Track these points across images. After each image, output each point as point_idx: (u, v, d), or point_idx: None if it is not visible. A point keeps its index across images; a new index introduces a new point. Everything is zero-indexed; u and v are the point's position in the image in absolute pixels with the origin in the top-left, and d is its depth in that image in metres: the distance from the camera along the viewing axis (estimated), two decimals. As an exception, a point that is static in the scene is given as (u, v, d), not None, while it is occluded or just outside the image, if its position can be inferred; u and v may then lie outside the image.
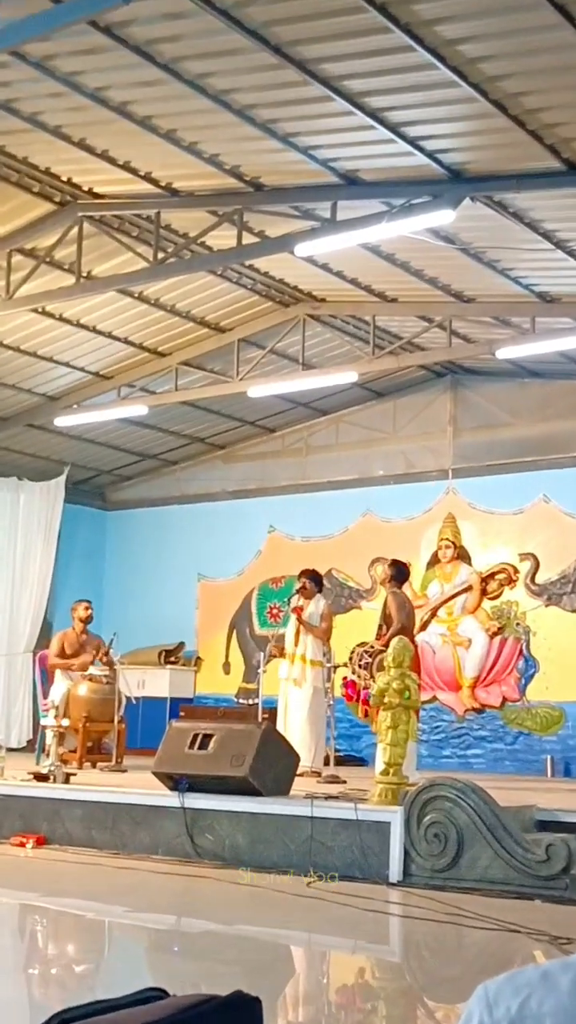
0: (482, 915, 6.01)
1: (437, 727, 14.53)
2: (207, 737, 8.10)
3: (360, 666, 10.35)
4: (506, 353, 12.36)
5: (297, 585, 11.31)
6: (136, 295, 12.40)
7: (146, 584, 17.22)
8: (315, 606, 11.20)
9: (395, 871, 7.15)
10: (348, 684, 10.54)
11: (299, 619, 11.09)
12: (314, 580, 11.32)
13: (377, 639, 10.29)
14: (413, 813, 7.20)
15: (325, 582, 15.15)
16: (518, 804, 7.52)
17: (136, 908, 6.44)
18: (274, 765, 8.03)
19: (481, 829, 6.98)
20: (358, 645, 10.50)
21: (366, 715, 10.13)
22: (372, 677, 9.67)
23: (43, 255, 10.95)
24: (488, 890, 6.81)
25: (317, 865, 7.34)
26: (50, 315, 12.53)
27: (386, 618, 10.26)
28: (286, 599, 11.52)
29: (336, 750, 11.25)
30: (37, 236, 10.73)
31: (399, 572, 10.54)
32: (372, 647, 10.31)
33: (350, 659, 10.78)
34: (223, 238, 10.56)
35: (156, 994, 1.55)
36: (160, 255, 10.58)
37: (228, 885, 6.97)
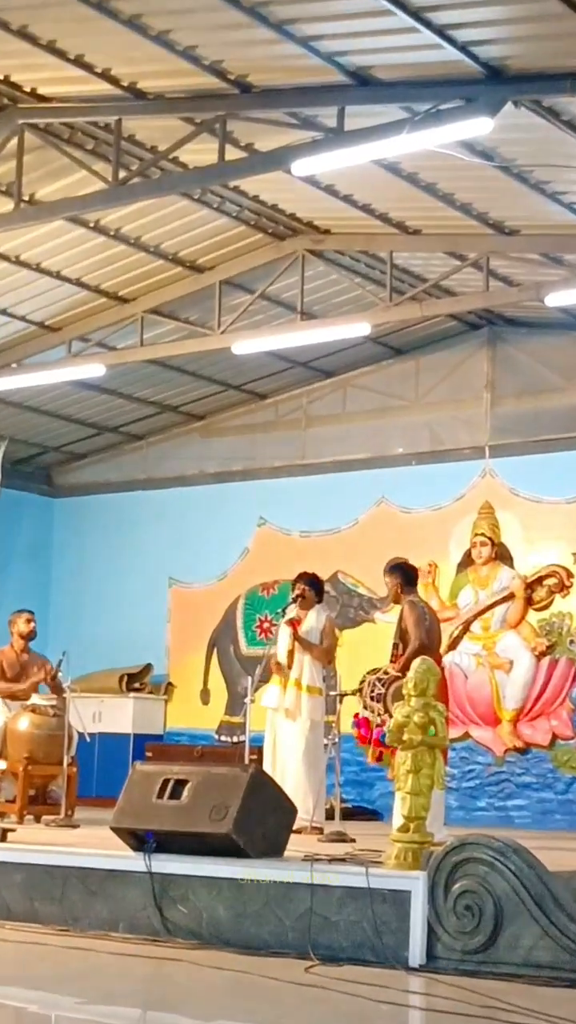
0: (525, 1008, 6.00)
1: (470, 771, 14.54)
2: (180, 784, 8.08)
3: (372, 698, 10.33)
4: (558, 299, 12.33)
5: (293, 592, 11.30)
6: (91, 225, 12.36)
7: (104, 591, 17.20)
8: (315, 619, 11.18)
9: (416, 953, 7.14)
10: (361, 723, 10.52)
11: (295, 634, 11.07)
12: (313, 586, 11.31)
13: (392, 662, 10.28)
14: (439, 880, 7.18)
15: (328, 588, 15.21)
16: (572, 869, 7.52)
17: (90, 1000, 6.42)
18: (264, 819, 8.01)
19: (525, 900, 6.97)
20: (369, 672, 10.47)
21: (379, 758, 10.12)
22: (388, 712, 9.64)
23: (-27, 174, 10.96)
24: (533, 977, 6.80)
25: (319, 946, 7.32)
26: (-18, 250, 12.53)
27: (402, 634, 10.25)
28: (280, 610, 11.50)
29: (342, 800, 11.24)
30: (-35, 150, 10.72)
31: (406, 574, 10.52)
32: (386, 673, 10.29)
33: (360, 690, 10.78)
34: (201, 152, 10.53)
35: None
36: (122, 174, 10.54)
37: (206, 970, 6.96)
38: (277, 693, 11.06)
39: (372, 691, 10.32)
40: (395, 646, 10.35)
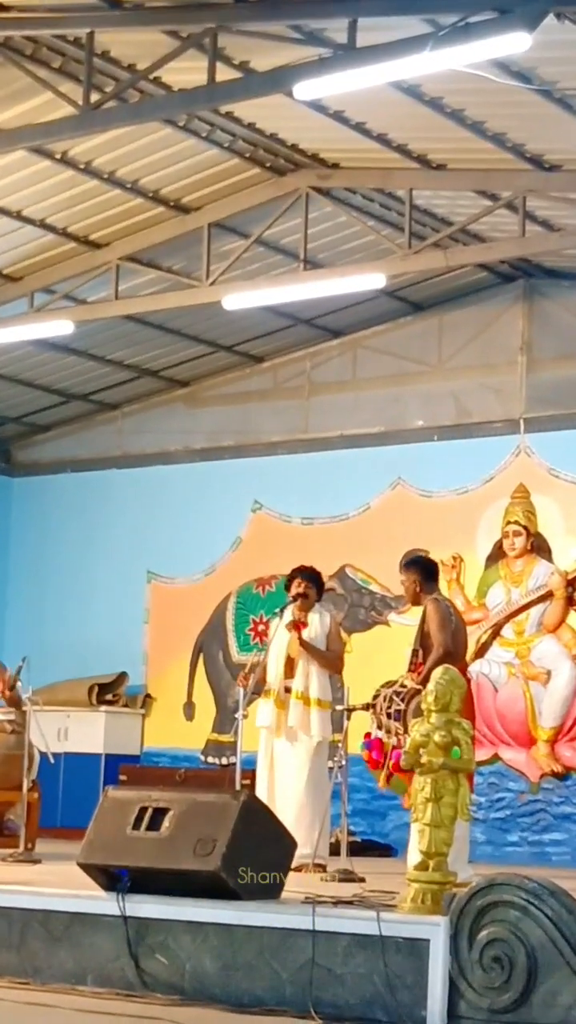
0: (564, 1077, 6.02)
1: (500, 800, 14.56)
2: (160, 813, 8.09)
3: (389, 715, 10.31)
4: (607, 247, 12.34)
5: (294, 590, 11.29)
6: (58, 156, 12.35)
7: (70, 586, 17.22)
8: (318, 621, 11.19)
9: (436, 1012, 7.16)
10: (373, 744, 10.50)
11: (301, 640, 11.08)
12: (314, 582, 11.31)
13: (411, 672, 10.27)
14: (463, 927, 7.20)
15: (334, 585, 15.24)
16: (618, 914, 7.53)
17: (53, 1064, 6.45)
18: (258, 855, 8.02)
19: (564, 951, 6.99)
20: (384, 685, 10.46)
21: (384, 785, 10.13)
22: (408, 732, 9.62)
23: None
24: (573, 1040, 6.83)
25: (321, 1003, 7.34)
26: None
27: (423, 639, 10.24)
28: (277, 610, 11.51)
29: (350, 833, 11.25)
30: None
31: (425, 570, 10.50)
32: (403, 686, 10.28)
33: (373, 705, 10.78)
34: (187, 72, 10.52)
35: None
36: (94, 97, 10.52)
37: (189, 1031, 6.98)
38: (270, 710, 11.07)
39: (389, 707, 10.28)
40: (414, 653, 10.32)
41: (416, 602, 10.47)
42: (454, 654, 9.94)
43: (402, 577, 10.57)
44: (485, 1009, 7.09)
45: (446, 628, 10.05)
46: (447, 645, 9.96)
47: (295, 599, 11.22)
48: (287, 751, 10.99)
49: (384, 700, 10.32)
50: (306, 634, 11.13)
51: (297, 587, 11.26)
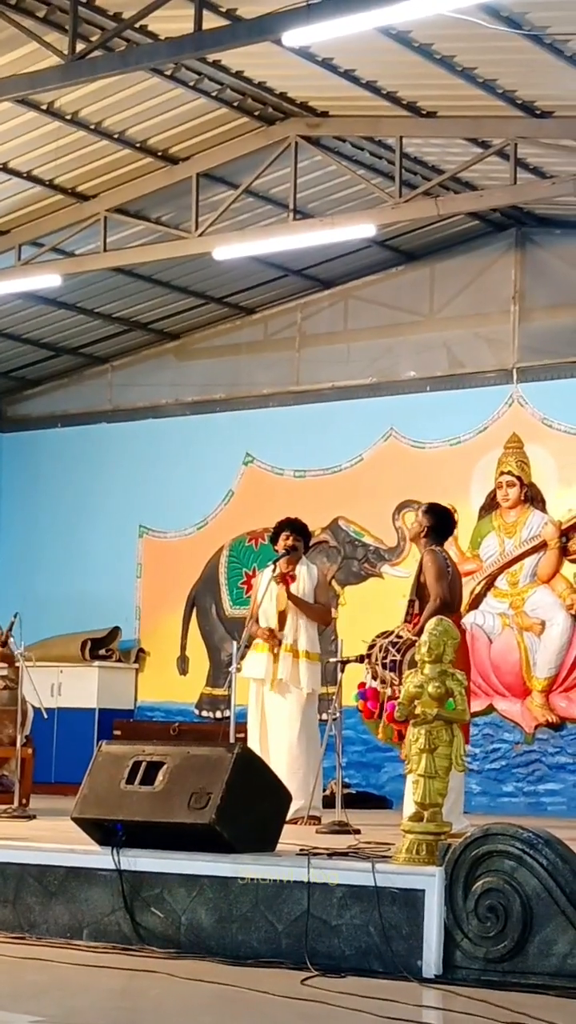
0: (560, 1025, 6.06)
1: (495, 751, 14.62)
2: (154, 767, 8.11)
3: (384, 665, 10.35)
4: (599, 194, 12.30)
5: (282, 543, 11.30)
6: (44, 107, 12.29)
7: (62, 541, 17.22)
8: (305, 573, 11.21)
9: (432, 962, 7.18)
10: (368, 694, 10.54)
11: (289, 593, 11.10)
12: (302, 534, 11.32)
13: (407, 623, 10.30)
14: (459, 877, 7.23)
15: (327, 537, 15.26)
16: (614, 863, 7.56)
17: (50, 1019, 6.47)
18: (253, 808, 8.05)
19: (559, 900, 7.01)
20: (379, 635, 10.48)
21: (399, 737, 10.15)
22: (403, 682, 9.66)
23: None
24: (568, 988, 6.86)
25: (317, 954, 7.37)
26: None
27: (419, 590, 10.27)
28: (271, 563, 11.52)
29: (344, 785, 11.30)
30: None
31: (441, 521, 10.51)
32: (399, 636, 10.31)
33: (368, 656, 10.80)
34: (174, 20, 10.46)
35: None
36: (80, 46, 10.46)
37: (186, 984, 7.00)
38: (264, 661, 11.10)
39: (385, 657, 10.33)
40: (410, 603, 10.34)
41: (416, 541, 10.47)
42: (450, 605, 9.97)
43: (418, 516, 10.53)
44: (481, 959, 7.12)
45: (443, 579, 10.08)
46: (444, 595, 9.99)
47: (286, 552, 11.22)
48: (278, 704, 11.02)
49: (380, 651, 10.37)
50: (294, 587, 11.15)
51: (285, 540, 11.27)
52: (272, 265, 15.35)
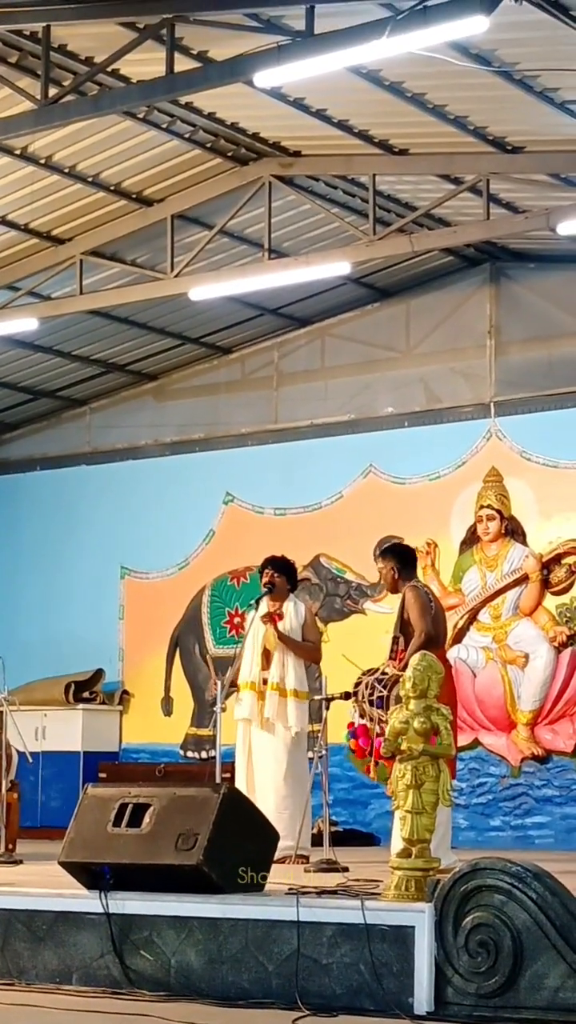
0: (553, 1060, 6.04)
1: (481, 785, 14.60)
2: (140, 808, 8.10)
3: (371, 703, 10.35)
4: (570, 228, 12.32)
5: (264, 580, 11.30)
6: (17, 152, 12.32)
7: (43, 584, 17.19)
8: (292, 611, 11.20)
9: (423, 999, 7.17)
10: (359, 732, 10.54)
11: (277, 632, 11.09)
12: (285, 571, 11.32)
13: (392, 660, 10.29)
14: (448, 913, 7.21)
15: (309, 575, 15.26)
16: (603, 895, 7.56)
17: (40, 1064, 6.45)
18: (241, 848, 8.02)
19: (549, 933, 7.00)
20: (365, 672, 10.49)
21: (374, 773, 10.15)
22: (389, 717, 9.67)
23: None
24: (561, 1022, 6.84)
25: (308, 993, 7.35)
26: None
27: (403, 626, 10.26)
28: (252, 602, 11.52)
29: (332, 823, 11.26)
30: None
31: (402, 558, 10.51)
32: (384, 673, 10.31)
33: (355, 693, 10.80)
34: (146, 64, 10.50)
35: None
36: (52, 91, 10.50)
37: (176, 1026, 6.98)
38: (249, 700, 11.09)
39: (371, 694, 10.34)
40: (395, 640, 10.34)
41: (394, 590, 10.47)
42: (435, 639, 9.97)
43: (380, 564, 10.58)
44: (472, 994, 7.10)
45: (427, 614, 10.07)
46: (429, 631, 9.98)
47: (266, 590, 11.22)
48: (265, 743, 11.00)
49: (366, 688, 10.37)
50: (282, 626, 11.13)
51: (265, 577, 11.27)
52: (248, 304, 15.38)
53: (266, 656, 11.11)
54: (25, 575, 17.33)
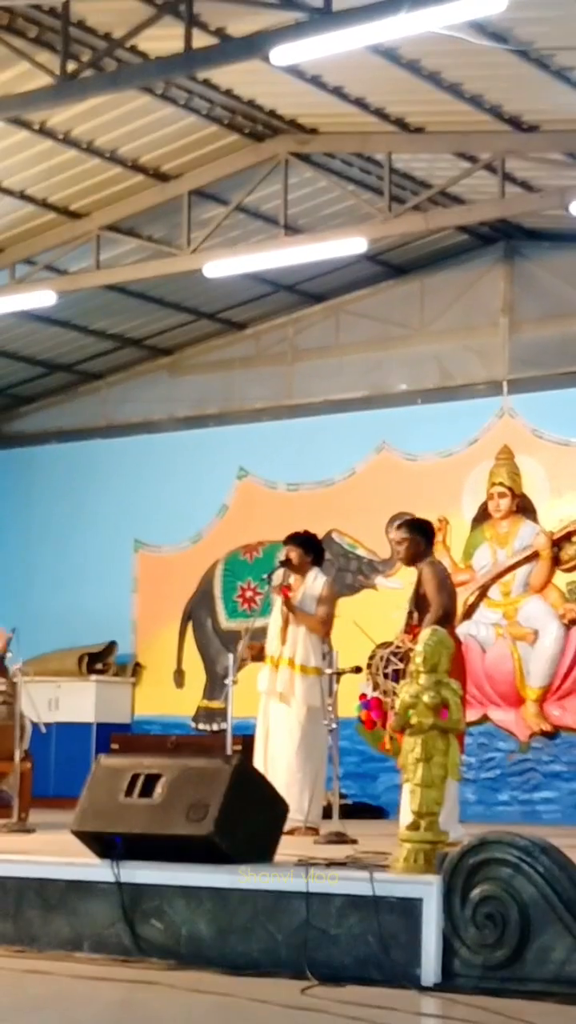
0: (558, 1031, 6.06)
1: (490, 760, 14.61)
2: (152, 779, 8.10)
3: (386, 675, 10.34)
4: (586, 207, 12.33)
5: (281, 555, 11.30)
6: (36, 127, 12.32)
7: (58, 557, 17.21)
8: (311, 584, 11.19)
9: (430, 970, 7.17)
10: (372, 704, 10.53)
11: (287, 603, 11.09)
12: (308, 546, 11.30)
13: (406, 633, 10.29)
14: (456, 885, 7.22)
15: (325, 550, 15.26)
16: (610, 870, 7.56)
17: (51, 1030, 6.47)
18: (251, 819, 8.04)
19: (555, 907, 7.01)
20: (380, 646, 10.49)
21: (390, 746, 10.14)
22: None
23: None
24: (566, 995, 6.86)
25: (316, 963, 7.36)
26: None
27: (418, 601, 10.25)
28: (265, 576, 11.53)
29: (342, 796, 11.28)
30: None
31: (424, 533, 10.49)
32: (399, 646, 10.31)
33: (369, 666, 10.78)
34: (164, 40, 10.49)
35: None
36: (71, 66, 10.48)
37: (186, 995, 7.00)
38: (268, 673, 11.11)
39: (386, 667, 10.34)
40: (409, 614, 10.34)
41: (411, 563, 10.44)
42: (452, 614, 10.00)
43: (403, 535, 10.46)
44: (479, 966, 7.11)
45: (444, 590, 10.09)
46: (445, 606, 10.00)
47: (283, 564, 11.22)
48: (281, 716, 11.02)
49: (381, 661, 10.37)
50: (294, 596, 11.13)
51: (284, 553, 11.26)
52: (264, 281, 15.37)
53: (284, 629, 11.11)
54: (39, 547, 17.35)
